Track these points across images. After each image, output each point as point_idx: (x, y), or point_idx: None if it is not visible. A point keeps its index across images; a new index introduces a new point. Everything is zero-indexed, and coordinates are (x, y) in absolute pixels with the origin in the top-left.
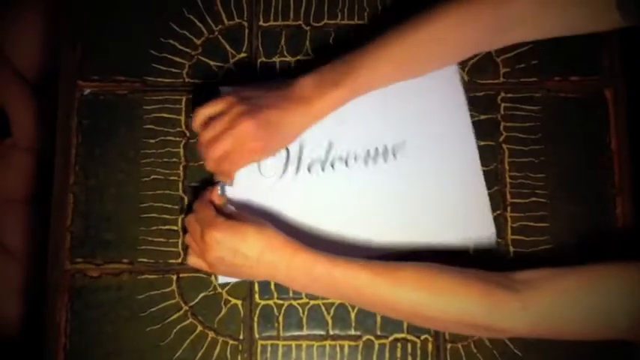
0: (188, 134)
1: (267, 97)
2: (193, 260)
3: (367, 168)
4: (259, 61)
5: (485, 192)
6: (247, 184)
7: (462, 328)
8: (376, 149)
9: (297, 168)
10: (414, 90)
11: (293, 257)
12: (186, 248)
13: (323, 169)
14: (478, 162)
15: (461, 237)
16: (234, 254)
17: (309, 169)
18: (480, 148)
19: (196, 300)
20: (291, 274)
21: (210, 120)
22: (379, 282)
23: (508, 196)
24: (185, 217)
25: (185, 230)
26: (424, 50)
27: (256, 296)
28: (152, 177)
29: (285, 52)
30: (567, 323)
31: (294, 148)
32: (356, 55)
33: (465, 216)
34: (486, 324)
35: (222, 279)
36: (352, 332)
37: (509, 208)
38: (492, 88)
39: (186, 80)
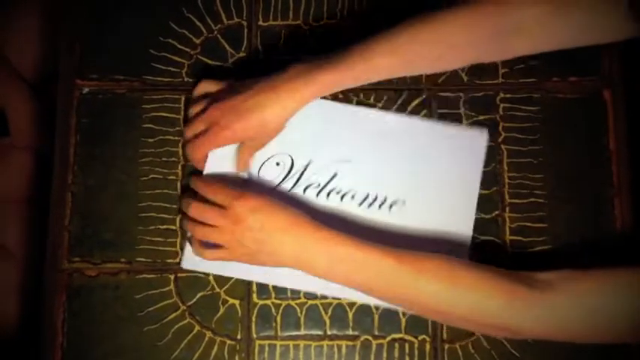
0: None
1: (253, 83)
2: (200, 250)
3: (359, 209)
4: (259, 60)
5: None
6: (244, 182)
7: (479, 326)
8: (376, 196)
9: (294, 185)
10: (436, 153)
11: (315, 234)
12: (182, 248)
13: (317, 196)
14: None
15: None
16: (261, 228)
17: (304, 190)
18: None
19: (194, 300)
20: (313, 256)
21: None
22: (403, 269)
23: (507, 197)
24: (185, 205)
25: (183, 230)
26: (423, 50)
27: (254, 296)
28: (151, 176)
29: (284, 52)
30: (584, 326)
31: (299, 164)
32: (354, 47)
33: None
34: (506, 323)
35: (187, 263)
36: (350, 332)
37: (507, 209)
38: (491, 89)
39: (186, 79)
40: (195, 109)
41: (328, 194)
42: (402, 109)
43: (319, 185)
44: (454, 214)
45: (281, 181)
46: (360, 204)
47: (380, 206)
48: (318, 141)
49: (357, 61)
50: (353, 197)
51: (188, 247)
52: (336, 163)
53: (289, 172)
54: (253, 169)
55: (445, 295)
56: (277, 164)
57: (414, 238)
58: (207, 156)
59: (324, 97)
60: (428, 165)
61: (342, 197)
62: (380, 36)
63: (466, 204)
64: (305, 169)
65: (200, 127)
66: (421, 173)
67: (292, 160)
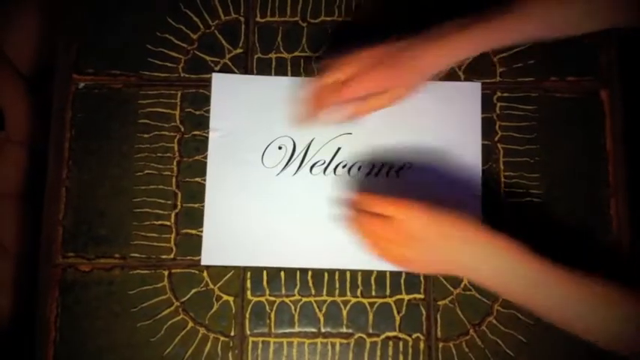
0: (182, 129)
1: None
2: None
3: (367, 179)
4: (255, 56)
5: None
6: (248, 171)
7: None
8: (382, 164)
9: (300, 165)
10: (434, 111)
11: (480, 239)
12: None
13: (324, 173)
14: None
15: None
16: (425, 237)
17: (311, 170)
18: None
19: (188, 296)
20: (478, 264)
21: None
22: (576, 297)
23: (503, 196)
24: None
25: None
26: (571, 13)
27: (248, 293)
28: (146, 172)
29: (281, 48)
30: None
31: (301, 145)
32: (504, 7)
33: None
34: None
35: (206, 259)
36: (344, 330)
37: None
38: (489, 88)
39: (182, 75)
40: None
41: (335, 169)
42: None
43: (324, 162)
44: (461, 167)
45: (286, 164)
46: (368, 174)
47: (387, 173)
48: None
49: (508, 20)
50: (359, 169)
51: (205, 244)
52: (338, 137)
53: (292, 154)
54: (256, 157)
55: (605, 322)
56: (279, 148)
57: (426, 197)
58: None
59: (312, 76)
60: (428, 124)
61: (349, 170)
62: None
63: (471, 154)
64: (308, 149)
65: (343, 73)
66: (422, 134)
67: (294, 141)
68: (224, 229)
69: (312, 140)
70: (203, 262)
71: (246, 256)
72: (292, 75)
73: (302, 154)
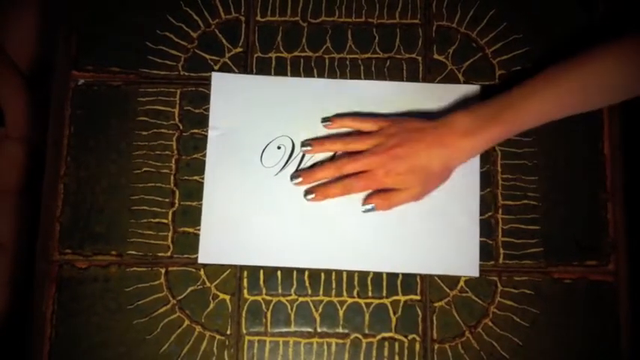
0: (181, 127)
1: (421, 131)
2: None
3: None
4: (255, 56)
5: (477, 238)
6: (246, 171)
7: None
8: None
9: (299, 165)
10: (432, 112)
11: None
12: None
13: None
14: (478, 207)
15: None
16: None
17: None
18: None
19: (184, 294)
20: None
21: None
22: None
23: (500, 198)
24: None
25: (175, 225)
26: (586, 86)
27: (245, 292)
28: (144, 169)
29: (281, 48)
30: None
31: (300, 144)
32: (513, 93)
33: (454, 256)
34: None
35: (203, 257)
36: (340, 330)
37: (500, 210)
38: (488, 90)
39: (182, 73)
40: (336, 145)
41: None
42: None
43: (323, 163)
44: (459, 169)
45: (285, 164)
46: None
47: None
48: (313, 118)
49: (520, 111)
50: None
51: (202, 242)
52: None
53: (291, 154)
54: (255, 156)
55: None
56: (278, 148)
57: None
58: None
59: (311, 76)
60: None
61: None
62: (541, 79)
63: (470, 179)
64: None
65: (353, 168)
66: None
67: (293, 141)
68: (221, 228)
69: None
70: (200, 261)
71: (243, 256)
72: (292, 75)
73: (301, 155)
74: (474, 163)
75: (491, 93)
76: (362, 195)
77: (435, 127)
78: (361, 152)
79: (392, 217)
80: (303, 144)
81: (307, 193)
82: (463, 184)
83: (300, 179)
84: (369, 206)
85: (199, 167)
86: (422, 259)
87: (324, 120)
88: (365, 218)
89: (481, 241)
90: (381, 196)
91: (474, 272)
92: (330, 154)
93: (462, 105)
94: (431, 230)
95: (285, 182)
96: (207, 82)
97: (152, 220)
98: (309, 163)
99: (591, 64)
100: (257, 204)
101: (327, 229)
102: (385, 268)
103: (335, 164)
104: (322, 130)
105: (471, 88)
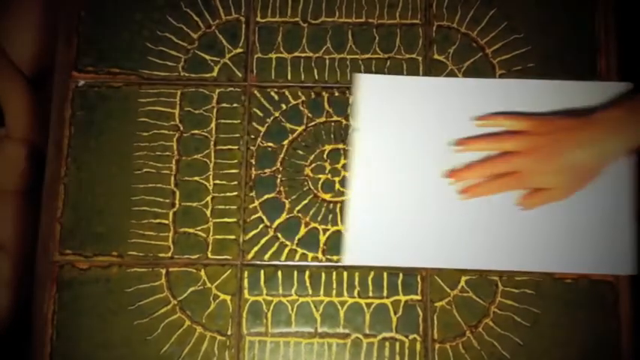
0: (181, 128)
1: (572, 129)
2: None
3: None
4: (255, 56)
5: (633, 235)
6: (394, 171)
7: None
8: None
9: (447, 164)
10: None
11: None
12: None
13: None
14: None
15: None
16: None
17: None
18: None
19: (185, 294)
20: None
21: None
22: None
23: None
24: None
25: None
26: None
27: (245, 292)
28: (144, 170)
29: (281, 49)
30: None
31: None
32: None
33: (607, 254)
34: None
35: (349, 258)
36: (341, 330)
37: None
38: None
39: (182, 74)
40: (491, 145)
41: None
42: None
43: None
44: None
45: (433, 164)
46: None
47: None
48: (462, 117)
49: None
50: None
51: (349, 244)
52: None
53: (438, 153)
54: (403, 156)
55: None
56: (425, 148)
57: None
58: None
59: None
60: None
61: None
62: None
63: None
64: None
65: (504, 167)
66: None
67: (440, 140)
68: (370, 229)
69: None
70: (346, 263)
71: (396, 256)
72: (291, 75)
73: (449, 153)
74: (628, 159)
75: None
76: (512, 194)
77: (587, 125)
78: (511, 152)
79: (542, 215)
80: (457, 143)
81: (459, 192)
82: (616, 180)
83: (451, 178)
84: (518, 205)
85: (200, 168)
86: (574, 258)
87: (476, 118)
88: (517, 217)
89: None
90: (527, 195)
91: (629, 270)
92: (484, 153)
93: (612, 102)
94: (583, 228)
95: (436, 181)
96: (207, 83)
97: (153, 220)
98: (456, 162)
99: None
100: (407, 204)
101: (479, 228)
102: (537, 267)
103: (486, 163)
104: (470, 130)
105: (623, 85)
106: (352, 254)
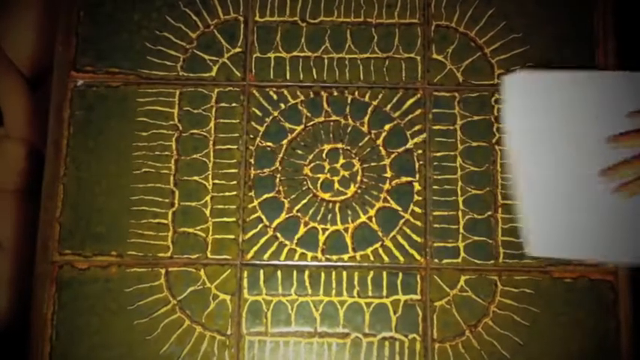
0: (180, 128)
1: None
2: None
3: None
4: (254, 56)
5: None
6: (553, 168)
7: None
8: None
9: (598, 162)
10: None
11: None
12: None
13: None
14: None
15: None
16: None
17: None
18: (473, 149)
19: (185, 294)
20: None
21: None
22: None
23: (499, 198)
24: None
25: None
26: None
27: (245, 292)
28: (143, 170)
29: (280, 48)
30: None
31: None
32: None
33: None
34: None
35: (534, 250)
36: (340, 330)
37: (500, 210)
38: (487, 89)
39: (181, 74)
40: None
41: None
42: (396, 108)
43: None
44: None
45: (592, 164)
46: None
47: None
48: (612, 113)
49: None
50: None
51: (532, 234)
52: None
53: (592, 150)
54: (557, 154)
55: None
56: (580, 145)
57: None
58: None
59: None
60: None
61: None
62: None
63: None
64: None
65: None
66: None
67: (594, 138)
68: (542, 223)
69: None
70: (532, 254)
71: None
72: (291, 75)
73: (605, 151)
74: None
75: None
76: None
77: None
78: None
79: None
80: (613, 139)
81: (615, 189)
82: None
83: (605, 176)
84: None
85: (199, 167)
86: None
87: (633, 113)
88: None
89: (481, 241)
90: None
91: None
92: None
93: None
94: None
95: (588, 177)
96: (206, 83)
97: (152, 220)
98: (603, 161)
99: None
100: (569, 200)
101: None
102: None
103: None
104: (620, 126)
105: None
106: (535, 247)
